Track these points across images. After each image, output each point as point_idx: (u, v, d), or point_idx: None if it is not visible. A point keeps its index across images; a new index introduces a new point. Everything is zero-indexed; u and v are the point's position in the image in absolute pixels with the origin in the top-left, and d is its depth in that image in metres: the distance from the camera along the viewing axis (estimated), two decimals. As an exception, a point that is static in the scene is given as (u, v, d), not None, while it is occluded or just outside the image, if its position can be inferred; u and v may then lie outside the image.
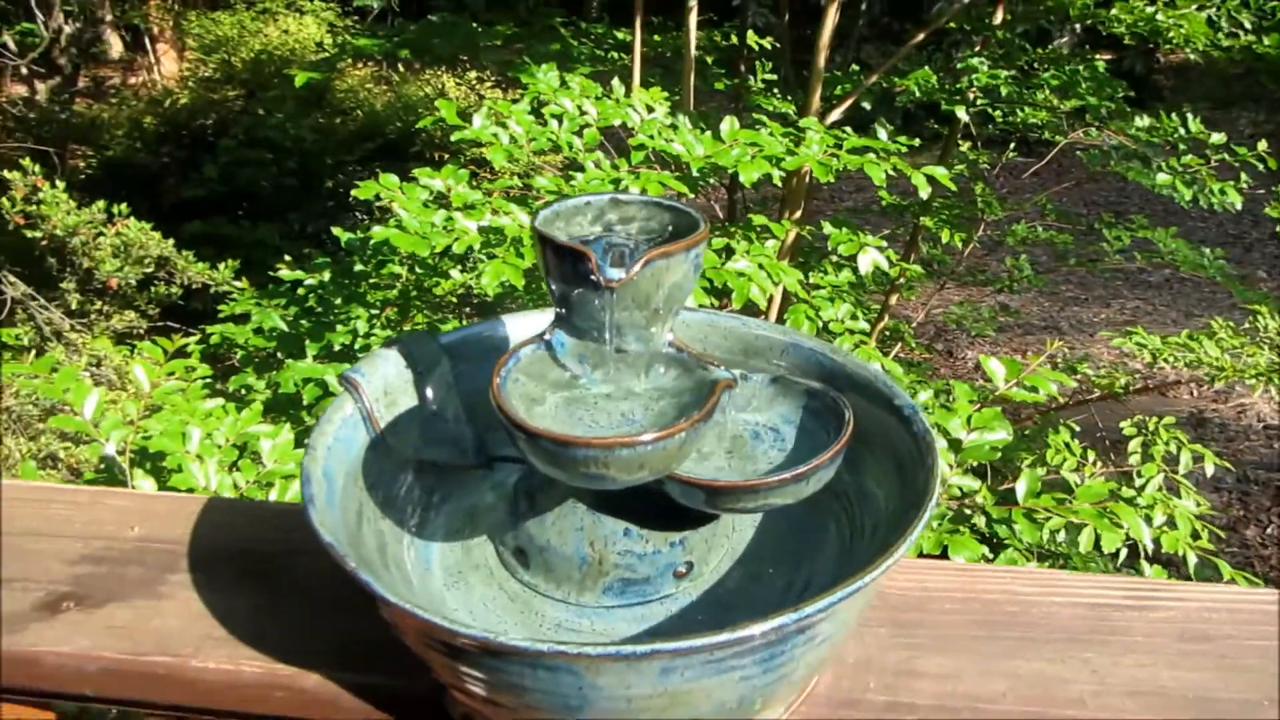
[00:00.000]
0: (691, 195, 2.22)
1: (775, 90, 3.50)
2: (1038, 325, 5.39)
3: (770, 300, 2.88)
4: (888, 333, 3.94)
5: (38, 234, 2.97)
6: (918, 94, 2.69)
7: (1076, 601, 0.68)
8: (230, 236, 4.51)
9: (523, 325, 0.69)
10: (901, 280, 3.15)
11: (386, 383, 0.64)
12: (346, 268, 2.31)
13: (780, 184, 2.39)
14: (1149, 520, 2.18)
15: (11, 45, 5.60)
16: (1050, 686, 0.61)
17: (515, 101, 2.46)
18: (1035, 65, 2.89)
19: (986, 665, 0.63)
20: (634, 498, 0.58)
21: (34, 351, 3.18)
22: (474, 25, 3.06)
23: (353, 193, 2.10)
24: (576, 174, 2.13)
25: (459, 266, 2.30)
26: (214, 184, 4.76)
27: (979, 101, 3.17)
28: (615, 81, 2.54)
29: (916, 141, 2.46)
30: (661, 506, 0.58)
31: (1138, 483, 2.29)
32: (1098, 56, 3.53)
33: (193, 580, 0.69)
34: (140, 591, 0.68)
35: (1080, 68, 2.99)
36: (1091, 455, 2.35)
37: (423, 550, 0.62)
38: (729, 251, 2.35)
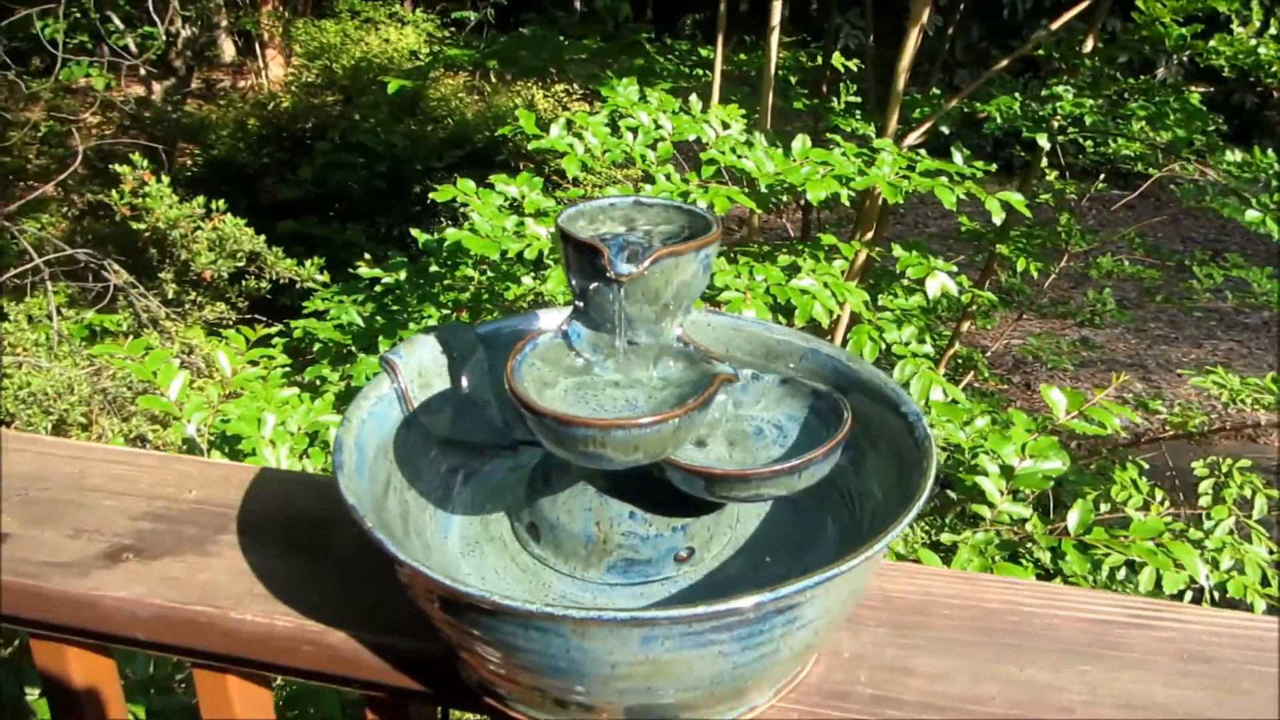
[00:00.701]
0: (760, 211, 2.25)
1: (857, 112, 3.51)
2: (1123, 362, 5.27)
3: (837, 320, 2.88)
4: (960, 360, 3.90)
5: (142, 226, 3.13)
6: (999, 120, 2.67)
7: (1079, 616, 0.69)
8: (320, 236, 4.67)
9: (555, 319, 0.73)
10: (974, 307, 3.13)
11: (422, 366, 0.69)
12: (423, 268, 2.40)
13: (849, 204, 2.40)
14: (1216, 563, 2.14)
15: (133, 47, 5.89)
16: (1042, 693, 0.63)
17: (595, 114, 2.52)
18: (1126, 95, 2.85)
19: (979, 669, 0.64)
20: (642, 483, 0.62)
21: (131, 337, 3.34)
22: (561, 39, 3.13)
23: (431, 195, 2.17)
24: (647, 186, 2.17)
25: (531, 273, 2.37)
26: (308, 185, 4.93)
27: (1070, 130, 3.13)
28: (693, 98, 2.58)
29: (993, 166, 2.45)
30: (667, 494, 0.61)
31: (1207, 525, 2.24)
32: (1192, 89, 3.46)
33: (240, 541, 0.74)
34: (192, 548, 0.73)
35: (1170, 99, 2.94)
36: (1159, 494, 2.30)
37: (444, 521, 0.66)
38: (795, 269, 2.37)
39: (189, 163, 5.38)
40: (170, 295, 3.29)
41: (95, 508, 0.78)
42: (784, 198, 2.71)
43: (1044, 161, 3.55)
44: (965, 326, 3.23)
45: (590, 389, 0.58)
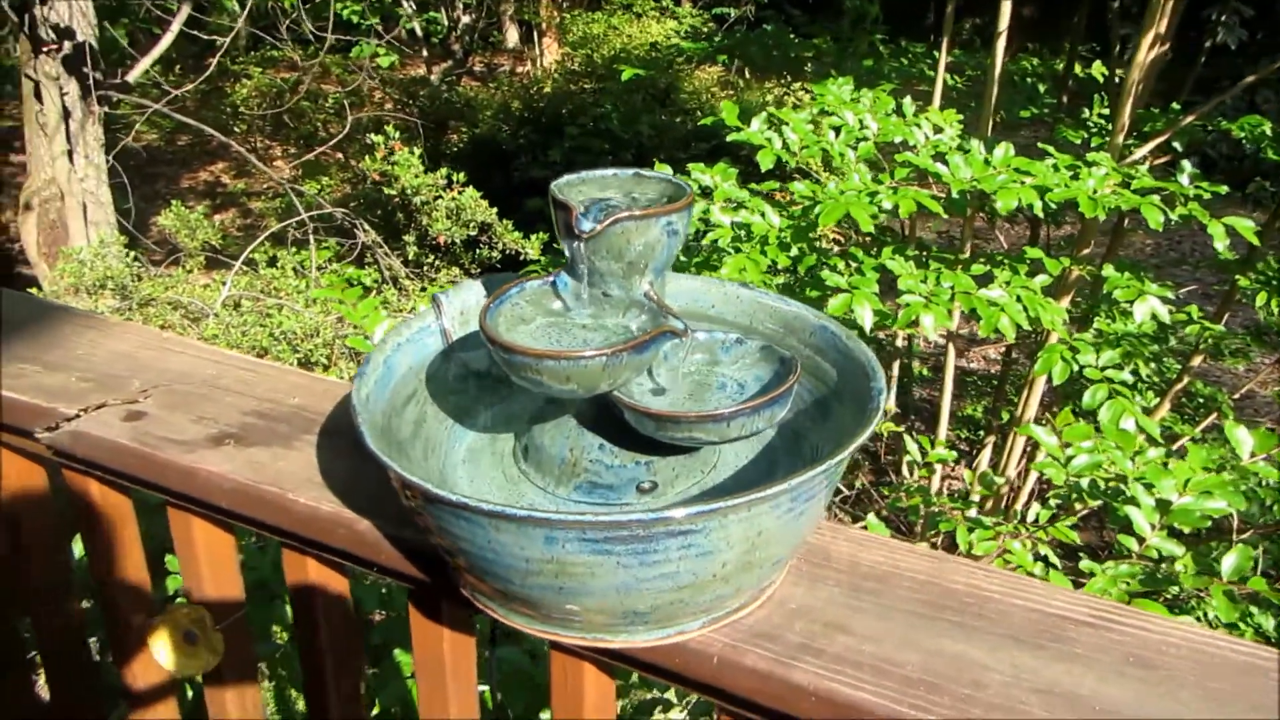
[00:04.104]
0: (945, 216, 2.23)
1: (1106, 123, 3.34)
2: None
3: (1045, 334, 2.78)
4: (1201, 399, 3.64)
5: (391, 191, 3.47)
6: (1244, 141, 2.50)
7: (1035, 607, 0.71)
8: (562, 216, 4.95)
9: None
10: (1204, 341, 2.92)
11: (465, 307, 0.80)
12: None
13: (1042, 215, 2.33)
14: None
15: (419, 31, 6.45)
16: (963, 667, 0.66)
17: (815, 111, 2.57)
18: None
19: (912, 638, 0.68)
20: (618, 423, 0.70)
21: (374, 291, 3.71)
22: (791, 37, 3.19)
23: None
24: (829, 183, 2.21)
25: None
26: (557, 166, 5.24)
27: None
28: (907, 100, 2.58)
29: (1223, 189, 2.30)
30: (640, 435, 0.69)
31: None
32: None
33: (317, 442, 0.88)
34: (280, 442, 0.89)
35: None
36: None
37: (458, 434, 0.77)
38: (988, 279, 2.33)
39: (456, 139, 5.83)
40: (410, 256, 3.62)
41: (218, 402, 0.95)
42: (1008, 207, 2.65)
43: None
44: (1197, 361, 3.02)
45: (559, 328, 0.67)
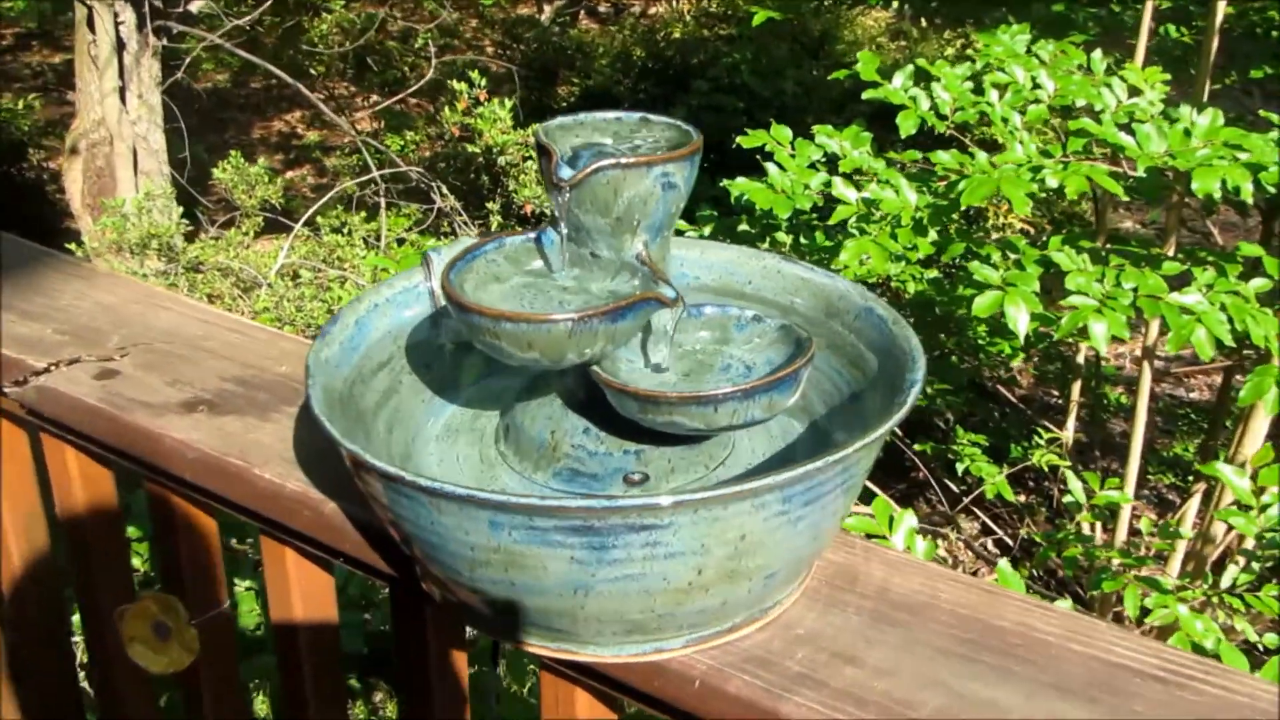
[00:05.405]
0: (1124, 199, 2.19)
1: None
2: None
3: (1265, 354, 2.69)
4: None
5: (476, 149, 3.59)
6: None
7: (1097, 655, 0.72)
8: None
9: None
10: None
11: (460, 266, 0.85)
12: (730, 226, 2.57)
13: (1249, 200, 2.26)
14: None
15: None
16: (987, 715, 0.67)
17: (979, 66, 2.56)
18: None
19: (935, 677, 0.70)
20: (609, 406, 0.74)
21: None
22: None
23: (739, 140, 2.34)
24: (980, 153, 2.19)
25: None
26: (682, 128, 5.30)
27: None
28: (1096, 54, 2.54)
29: None
30: (632, 421, 0.73)
31: None
32: None
33: (297, 415, 0.95)
34: (256, 412, 0.96)
35: None
36: None
37: (437, 408, 0.83)
38: (1185, 280, 2.29)
39: (564, 92, 5.96)
40: (494, 227, 3.73)
41: (200, 365, 1.02)
42: (1206, 189, 2.58)
43: None
44: None
45: (535, 289, 0.72)
